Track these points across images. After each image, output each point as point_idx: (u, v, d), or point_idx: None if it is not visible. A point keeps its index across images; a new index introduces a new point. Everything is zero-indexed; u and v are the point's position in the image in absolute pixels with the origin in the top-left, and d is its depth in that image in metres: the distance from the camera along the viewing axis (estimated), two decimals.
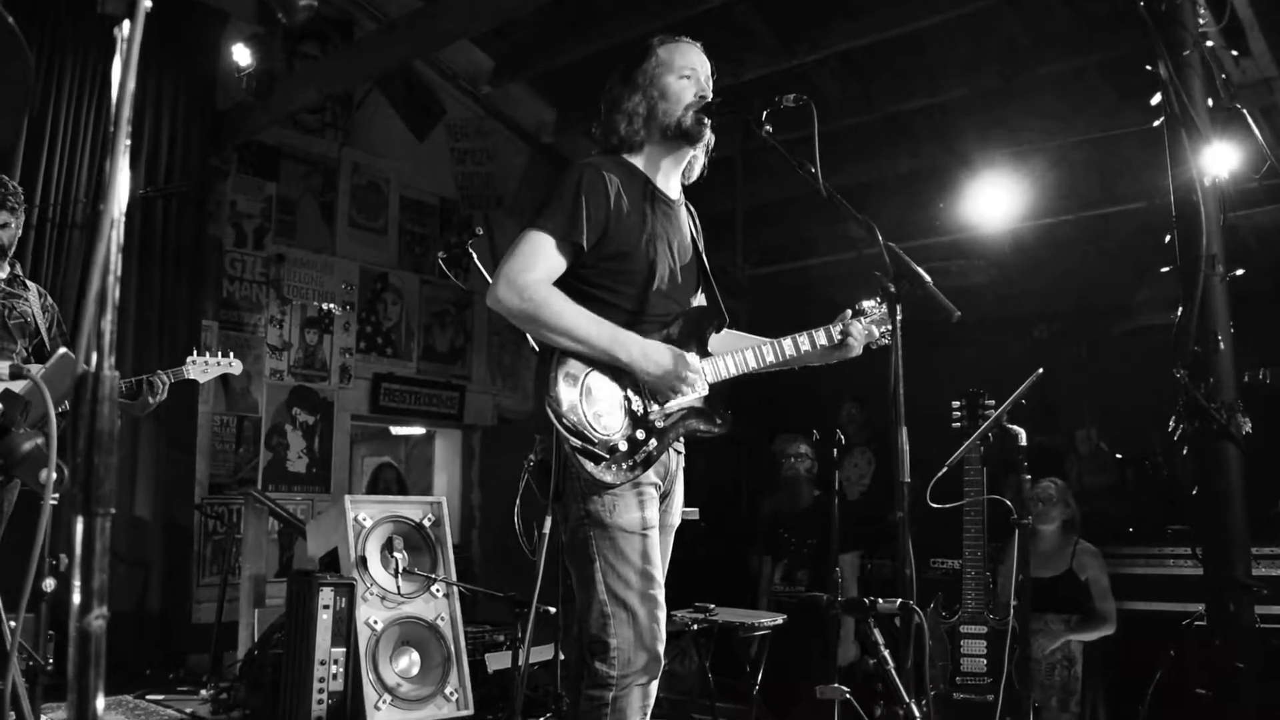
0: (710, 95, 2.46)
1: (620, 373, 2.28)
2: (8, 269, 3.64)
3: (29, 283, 3.77)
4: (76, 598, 1.03)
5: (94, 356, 1.07)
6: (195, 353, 4.14)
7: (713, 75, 2.52)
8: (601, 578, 2.23)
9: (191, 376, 4.03)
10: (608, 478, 2.20)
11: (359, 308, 7.47)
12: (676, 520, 2.53)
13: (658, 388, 2.29)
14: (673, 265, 2.42)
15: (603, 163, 2.38)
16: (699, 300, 2.57)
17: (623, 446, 2.24)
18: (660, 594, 2.29)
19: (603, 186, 2.31)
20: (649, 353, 2.26)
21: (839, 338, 2.51)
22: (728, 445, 2.59)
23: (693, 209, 2.66)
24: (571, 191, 2.28)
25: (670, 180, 2.51)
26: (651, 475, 2.31)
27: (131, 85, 1.14)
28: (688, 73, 2.44)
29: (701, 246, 2.60)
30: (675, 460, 2.46)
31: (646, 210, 2.39)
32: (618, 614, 2.22)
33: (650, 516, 2.29)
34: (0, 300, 3.59)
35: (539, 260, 2.25)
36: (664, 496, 2.43)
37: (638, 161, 2.46)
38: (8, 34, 1.48)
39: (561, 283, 2.29)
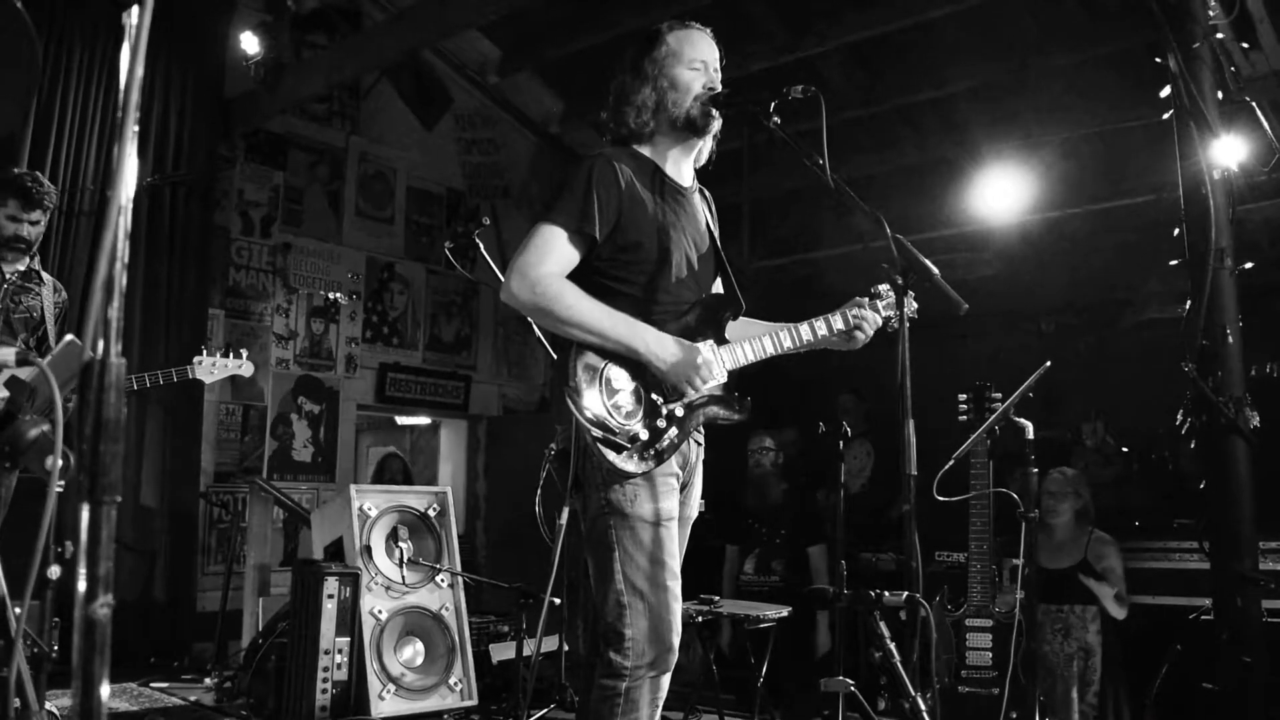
0: (719, 86, 2.45)
1: (639, 363, 2.28)
2: (26, 262, 3.65)
3: (45, 275, 3.76)
4: (82, 585, 1.02)
5: (100, 343, 1.06)
6: (204, 352, 3.96)
7: (723, 62, 2.51)
8: (620, 567, 2.23)
9: (198, 377, 3.87)
10: (630, 467, 2.20)
11: (365, 297, 7.48)
12: (694, 513, 2.53)
13: (671, 382, 2.29)
14: (689, 254, 2.42)
15: (613, 154, 2.38)
16: (717, 288, 2.56)
17: (644, 435, 2.23)
18: (677, 586, 2.28)
19: (614, 177, 2.31)
20: (664, 345, 2.26)
21: (854, 322, 2.50)
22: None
23: (708, 195, 2.65)
24: (582, 183, 2.28)
25: (682, 168, 2.51)
26: (672, 465, 2.31)
27: (140, 72, 1.13)
28: (697, 65, 2.43)
29: (717, 234, 2.59)
30: (695, 451, 2.46)
31: (659, 200, 2.39)
32: (634, 604, 2.21)
33: (670, 507, 2.29)
34: (11, 294, 3.59)
35: (551, 253, 2.25)
36: (683, 487, 2.43)
37: (647, 151, 2.46)
38: (15, 18, 1.48)
39: (578, 275, 2.29)
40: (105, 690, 1.05)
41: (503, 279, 2.29)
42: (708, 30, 2.51)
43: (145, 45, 1.13)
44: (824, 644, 5.27)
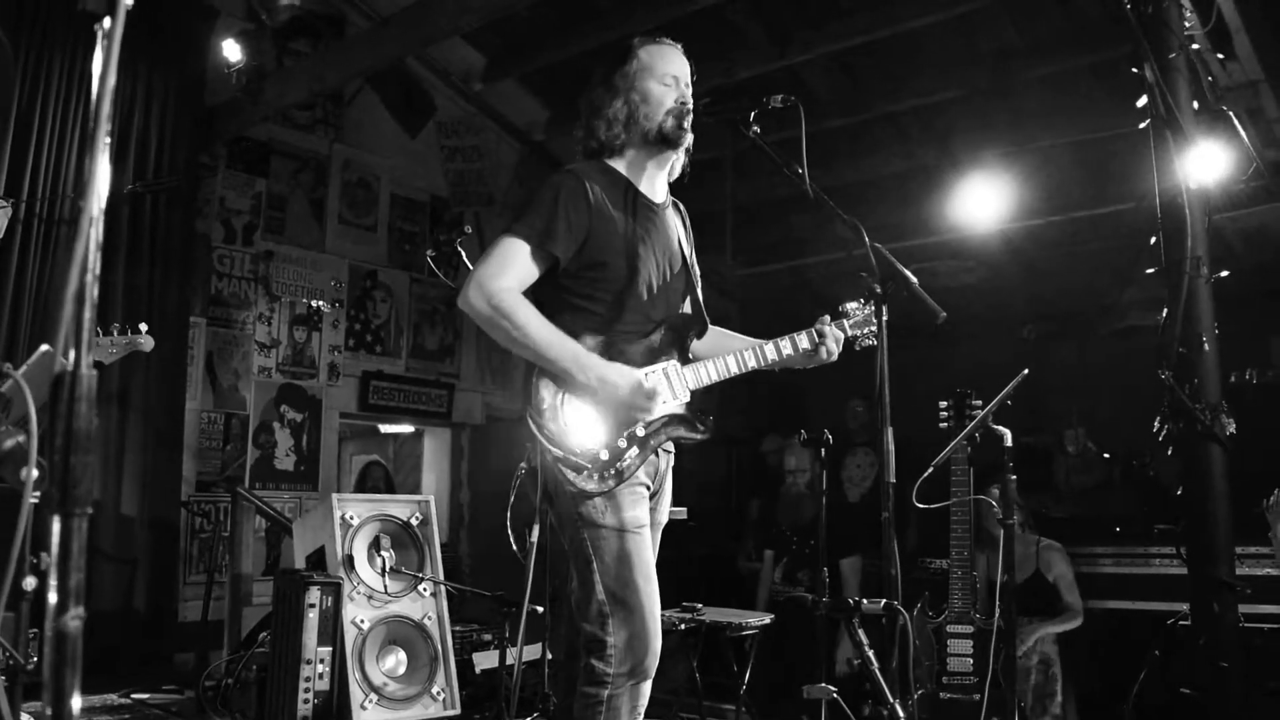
0: (690, 101, 2.46)
1: None
2: None
3: None
4: (53, 597, 1.02)
5: (72, 354, 1.06)
6: (99, 333, 3.53)
7: (693, 78, 2.52)
8: (598, 577, 2.26)
9: (96, 359, 3.55)
10: (590, 486, 2.23)
11: (348, 305, 7.46)
12: (664, 519, 2.55)
13: (621, 413, 2.29)
14: (658, 272, 2.43)
15: (583, 170, 2.39)
16: (685, 307, 2.56)
17: (604, 456, 2.26)
18: (654, 591, 2.30)
19: (583, 195, 2.32)
20: (606, 380, 2.25)
21: (818, 340, 2.51)
22: (718, 445, 2.60)
23: (683, 208, 2.65)
24: (550, 200, 2.29)
25: (655, 183, 2.51)
26: (641, 475, 2.33)
27: (112, 82, 1.14)
28: (669, 80, 2.45)
29: (689, 250, 2.59)
30: (665, 459, 2.48)
31: (629, 217, 2.39)
32: (616, 612, 2.24)
33: (639, 515, 2.31)
34: None
35: (511, 267, 2.27)
36: (653, 495, 2.45)
37: (620, 166, 2.47)
38: None
39: (544, 290, 2.31)
40: (77, 702, 1.05)
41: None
42: (678, 46, 2.53)
43: (118, 54, 1.13)
44: (842, 657, 5.26)
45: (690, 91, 2.48)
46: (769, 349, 2.50)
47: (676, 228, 2.57)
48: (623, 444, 2.28)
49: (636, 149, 2.46)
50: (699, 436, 2.42)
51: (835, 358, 2.54)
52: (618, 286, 2.35)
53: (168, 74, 6.22)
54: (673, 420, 2.37)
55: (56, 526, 1.02)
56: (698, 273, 2.61)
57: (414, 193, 7.97)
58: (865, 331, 2.57)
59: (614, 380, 2.26)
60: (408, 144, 7.58)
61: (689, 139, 2.48)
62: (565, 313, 2.29)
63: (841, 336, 2.54)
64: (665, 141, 2.44)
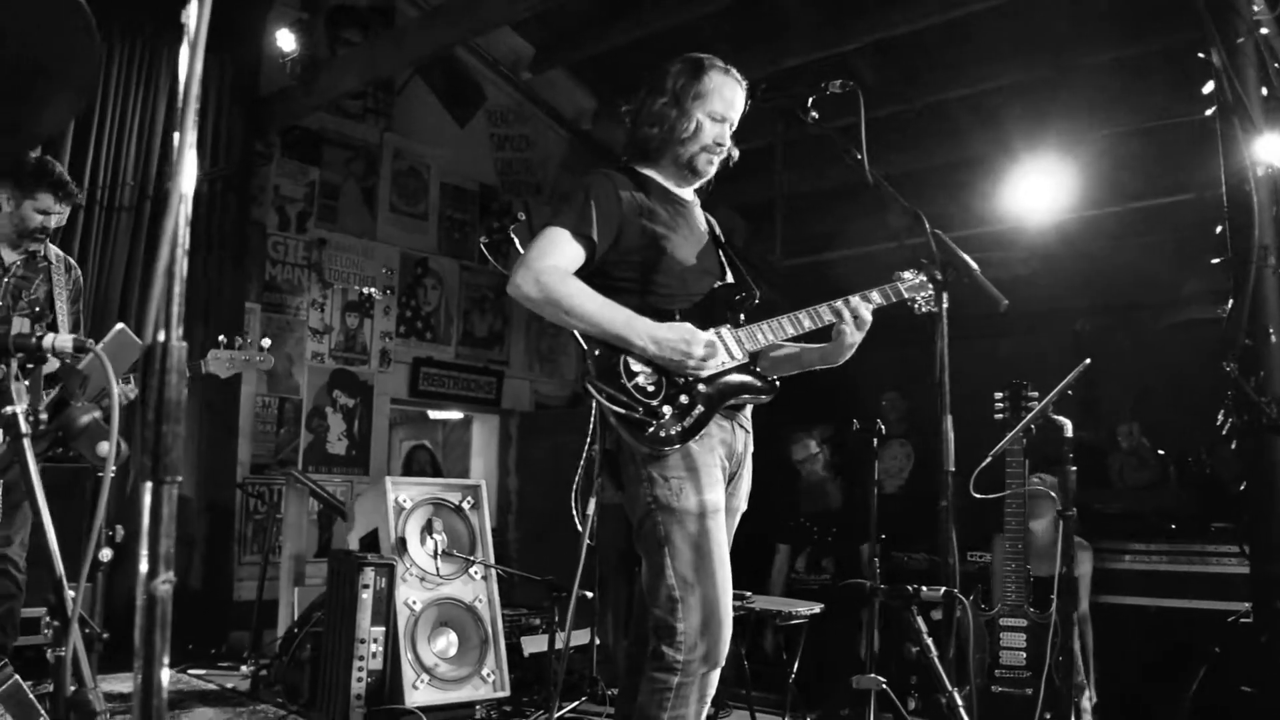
0: (726, 143, 2.50)
1: None
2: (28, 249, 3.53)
3: (53, 254, 3.58)
4: (144, 564, 1.05)
5: (163, 328, 1.09)
6: (221, 345, 3.64)
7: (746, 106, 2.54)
8: (670, 562, 2.25)
9: (211, 370, 3.62)
10: (661, 446, 2.23)
11: (399, 292, 7.54)
12: (743, 505, 2.56)
13: (674, 371, 2.31)
14: (693, 253, 2.47)
15: (610, 173, 2.46)
16: (728, 278, 2.58)
17: (667, 411, 2.26)
18: (727, 577, 2.29)
19: (611, 189, 2.40)
20: (658, 338, 2.28)
21: (840, 312, 2.47)
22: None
23: (712, 220, 2.68)
24: (581, 195, 2.37)
25: (681, 187, 2.58)
26: (717, 456, 2.34)
27: (199, 66, 1.17)
28: (718, 116, 2.47)
29: (719, 233, 2.65)
30: (743, 440, 2.48)
31: (657, 207, 2.45)
32: (686, 598, 2.23)
33: (715, 499, 2.31)
34: (12, 289, 3.49)
35: (555, 250, 2.33)
36: (731, 478, 2.45)
37: (648, 171, 2.53)
38: (76, 11, 1.51)
39: (590, 280, 2.34)
40: (165, 667, 1.07)
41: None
42: (743, 83, 2.52)
43: (204, 39, 1.16)
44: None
45: (732, 129, 2.51)
46: (824, 310, 2.48)
47: (704, 219, 2.63)
48: (685, 399, 2.29)
49: (665, 164, 2.52)
50: (766, 393, 2.43)
51: (853, 329, 2.47)
52: (657, 266, 2.39)
53: (223, 63, 6.31)
54: (735, 375, 2.38)
55: (148, 493, 1.05)
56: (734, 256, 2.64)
57: (463, 181, 8.03)
58: (922, 296, 2.55)
59: (666, 336, 2.28)
60: (457, 133, 7.64)
61: (712, 173, 2.54)
62: (612, 297, 2.32)
63: (867, 307, 2.49)
64: (692, 171, 2.51)
